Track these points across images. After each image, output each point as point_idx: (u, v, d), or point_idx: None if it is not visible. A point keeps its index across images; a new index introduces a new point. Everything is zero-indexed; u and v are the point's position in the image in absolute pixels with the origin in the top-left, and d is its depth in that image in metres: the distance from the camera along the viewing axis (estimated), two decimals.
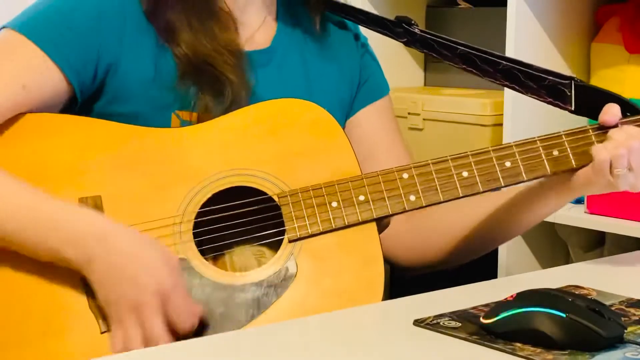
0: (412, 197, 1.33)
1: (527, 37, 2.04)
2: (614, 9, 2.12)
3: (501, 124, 2.06)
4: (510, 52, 2.01)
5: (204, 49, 1.36)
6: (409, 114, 2.25)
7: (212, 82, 1.36)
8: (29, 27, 1.33)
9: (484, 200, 1.46)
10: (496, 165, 1.34)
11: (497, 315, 1.09)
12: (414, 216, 1.48)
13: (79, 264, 1.23)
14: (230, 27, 1.40)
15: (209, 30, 1.37)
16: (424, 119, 2.23)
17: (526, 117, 2.02)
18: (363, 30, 1.57)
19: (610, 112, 1.35)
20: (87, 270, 1.23)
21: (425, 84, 2.49)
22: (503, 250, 2.05)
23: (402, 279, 2.28)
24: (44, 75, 1.32)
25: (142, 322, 1.21)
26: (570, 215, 1.96)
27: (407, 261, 1.52)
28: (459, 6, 2.43)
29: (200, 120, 1.36)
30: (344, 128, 1.51)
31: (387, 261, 1.54)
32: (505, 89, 2.01)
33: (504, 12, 2.04)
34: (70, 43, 1.33)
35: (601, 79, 2.07)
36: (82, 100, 1.36)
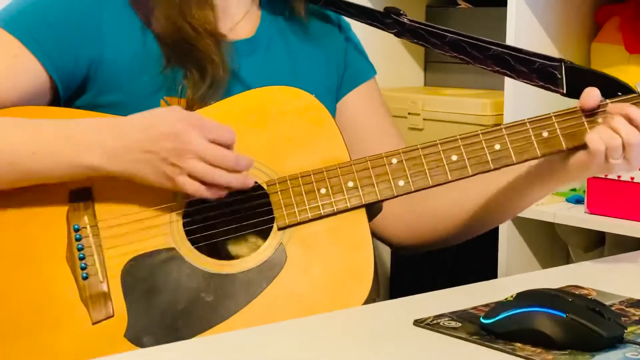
0: (401, 182, 1.33)
1: (527, 38, 2.04)
2: (614, 9, 2.12)
3: (501, 124, 2.05)
4: None
5: (181, 26, 1.37)
6: (409, 114, 2.25)
7: (196, 64, 1.37)
8: (9, 21, 1.34)
9: (484, 183, 1.45)
10: (485, 149, 1.33)
11: (497, 315, 1.09)
12: (413, 198, 1.48)
13: (102, 165, 1.25)
14: (206, 6, 1.40)
15: (185, 6, 1.38)
16: (424, 119, 2.23)
17: (526, 117, 2.01)
18: (356, 26, 1.58)
19: (589, 94, 1.34)
20: (117, 166, 1.25)
21: (425, 84, 2.49)
22: (503, 250, 2.05)
23: (402, 279, 2.28)
24: (23, 66, 1.33)
25: (188, 151, 1.24)
26: (570, 215, 1.96)
27: (404, 241, 1.52)
28: (459, 6, 2.43)
29: (188, 105, 1.36)
30: (334, 114, 1.52)
31: (385, 242, 1.54)
32: (505, 89, 2.02)
33: (504, 12, 2.04)
34: (48, 37, 1.34)
35: None
36: (66, 95, 1.36)
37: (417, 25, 1.49)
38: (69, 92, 1.36)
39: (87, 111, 1.35)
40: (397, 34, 1.51)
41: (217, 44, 1.39)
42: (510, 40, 2.01)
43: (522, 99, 2.00)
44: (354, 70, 1.55)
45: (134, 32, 1.37)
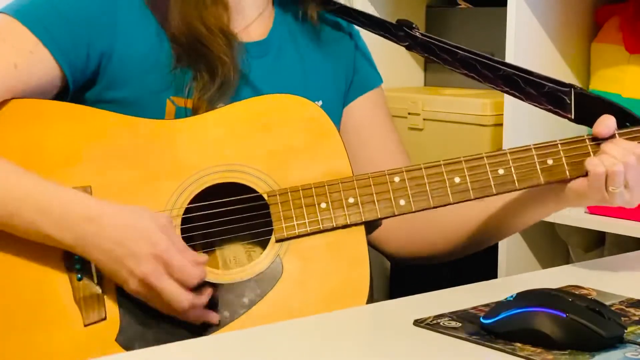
0: (402, 202, 1.32)
1: (527, 37, 2.04)
2: (614, 9, 2.12)
3: (501, 124, 2.06)
4: (510, 52, 2.00)
5: (194, 24, 1.36)
6: (409, 114, 2.25)
7: (206, 64, 1.36)
8: (22, 12, 1.34)
9: (484, 202, 1.45)
10: (489, 173, 1.33)
11: (497, 315, 1.09)
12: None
13: (72, 246, 1.24)
14: (220, 5, 1.40)
15: (200, 4, 1.38)
16: (424, 119, 2.23)
17: (526, 117, 2.02)
18: (364, 33, 1.58)
19: (605, 124, 1.33)
20: (83, 252, 1.24)
21: (425, 84, 2.49)
22: (503, 250, 2.05)
23: (402, 279, 2.28)
24: (36, 59, 1.33)
25: (155, 289, 1.22)
26: (570, 215, 1.96)
27: (402, 253, 1.53)
28: (459, 6, 2.43)
29: (194, 106, 1.36)
30: (341, 119, 1.52)
31: (383, 254, 1.54)
32: None
33: (504, 12, 2.04)
34: (61, 29, 1.34)
35: (601, 79, 2.07)
36: (75, 88, 1.36)
37: (428, 39, 1.49)
38: (78, 85, 1.36)
39: (98, 109, 1.34)
40: (408, 47, 1.51)
41: (228, 43, 1.38)
42: (510, 40, 2.01)
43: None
44: (362, 77, 1.56)
45: (148, 33, 1.37)
